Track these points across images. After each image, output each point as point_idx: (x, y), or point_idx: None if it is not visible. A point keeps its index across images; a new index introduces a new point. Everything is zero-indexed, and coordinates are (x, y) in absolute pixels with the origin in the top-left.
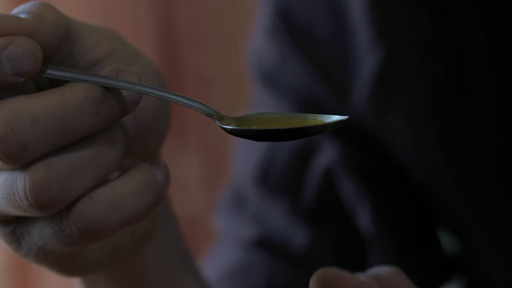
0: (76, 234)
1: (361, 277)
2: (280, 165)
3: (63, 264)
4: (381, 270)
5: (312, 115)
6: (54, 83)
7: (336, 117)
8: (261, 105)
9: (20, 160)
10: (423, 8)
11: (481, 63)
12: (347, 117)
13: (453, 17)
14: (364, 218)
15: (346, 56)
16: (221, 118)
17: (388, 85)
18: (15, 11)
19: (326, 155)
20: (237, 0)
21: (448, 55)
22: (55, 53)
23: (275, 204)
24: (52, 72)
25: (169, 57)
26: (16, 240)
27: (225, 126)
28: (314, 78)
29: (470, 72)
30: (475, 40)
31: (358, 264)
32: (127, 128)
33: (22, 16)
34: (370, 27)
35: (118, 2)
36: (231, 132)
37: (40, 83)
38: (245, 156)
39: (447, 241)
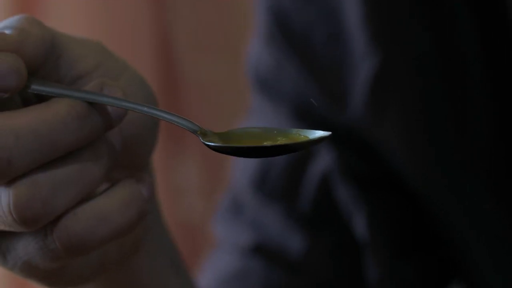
0: (61, 249)
1: None
2: (277, 171)
3: (50, 278)
4: None
5: (296, 130)
6: (41, 97)
7: (319, 133)
8: (258, 112)
9: (4, 176)
10: (418, 14)
11: (477, 68)
12: (329, 133)
13: (449, 23)
14: (360, 224)
15: (342, 62)
16: (204, 134)
17: (383, 90)
18: None
19: (323, 160)
20: (236, 7)
21: (443, 61)
22: (40, 68)
23: (272, 210)
24: (36, 88)
25: (167, 63)
26: (1, 254)
27: (208, 143)
28: (310, 84)
29: (465, 78)
30: (471, 46)
31: (354, 269)
32: (112, 143)
33: (7, 31)
34: (366, 32)
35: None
36: (214, 148)
37: (26, 97)
38: (242, 163)
39: (444, 247)
